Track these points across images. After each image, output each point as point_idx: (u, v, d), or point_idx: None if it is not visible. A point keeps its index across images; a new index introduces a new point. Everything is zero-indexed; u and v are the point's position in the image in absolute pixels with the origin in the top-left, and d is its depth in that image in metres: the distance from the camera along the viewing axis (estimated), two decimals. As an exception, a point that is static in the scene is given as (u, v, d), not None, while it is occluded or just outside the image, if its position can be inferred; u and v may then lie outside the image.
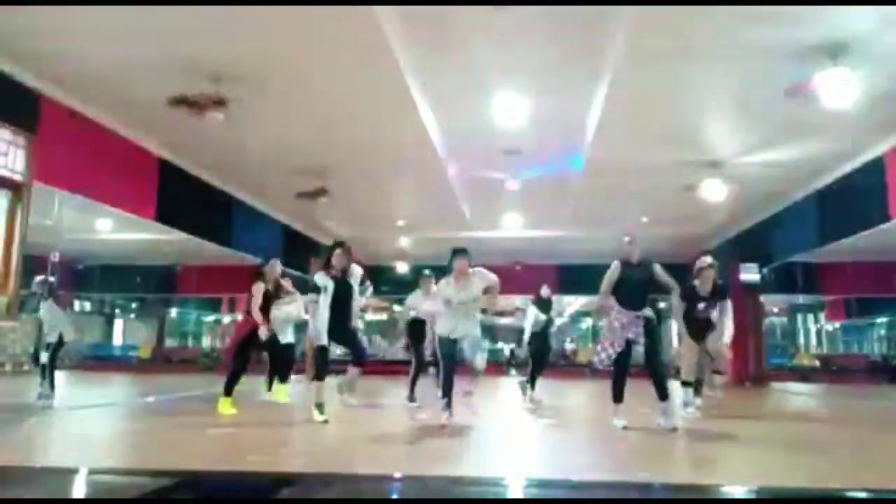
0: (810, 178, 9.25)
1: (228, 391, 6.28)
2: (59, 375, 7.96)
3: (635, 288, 5.56)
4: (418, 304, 7.39)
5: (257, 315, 6.33)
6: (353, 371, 6.36)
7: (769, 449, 4.84)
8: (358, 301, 6.10)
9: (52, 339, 7.43)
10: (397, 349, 15.20)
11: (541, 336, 8.12)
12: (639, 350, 5.58)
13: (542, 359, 8.19)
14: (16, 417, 6.32)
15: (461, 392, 5.89)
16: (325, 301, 5.70)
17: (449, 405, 5.54)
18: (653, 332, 5.61)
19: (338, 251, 5.84)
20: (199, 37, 5.51)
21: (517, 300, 17.56)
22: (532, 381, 8.09)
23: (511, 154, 8.42)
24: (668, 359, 6.62)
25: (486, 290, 5.71)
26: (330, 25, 5.30)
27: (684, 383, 6.57)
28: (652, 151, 8.29)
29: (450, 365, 5.61)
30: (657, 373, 5.63)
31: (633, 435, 5.24)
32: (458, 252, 5.67)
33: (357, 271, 5.96)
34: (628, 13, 5.03)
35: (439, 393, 5.62)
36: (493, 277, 5.71)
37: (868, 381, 15.99)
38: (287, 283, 7.28)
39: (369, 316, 23.09)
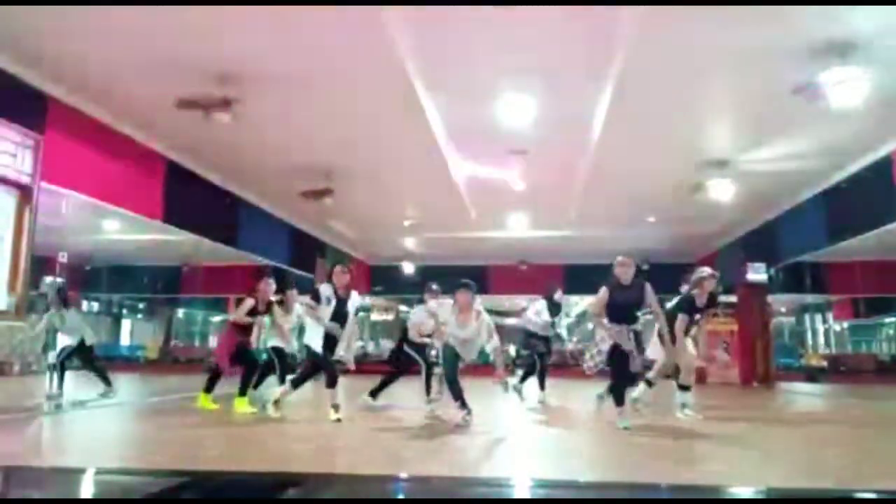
0: (818, 178, 9.20)
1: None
2: (69, 376, 8.00)
3: (627, 308, 5.58)
4: (423, 320, 6.76)
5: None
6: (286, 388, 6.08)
7: (772, 449, 4.81)
8: (351, 327, 6.05)
9: (71, 341, 7.54)
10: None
11: (543, 338, 8.13)
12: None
13: (543, 360, 8.20)
14: (27, 418, 6.36)
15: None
16: (327, 313, 5.74)
17: (464, 405, 5.58)
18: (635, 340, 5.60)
19: (338, 268, 5.92)
20: (205, 38, 5.54)
21: (522, 301, 17.58)
22: (541, 382, 8.07)
23: (517, 154, 8.41)
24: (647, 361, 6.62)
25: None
26: (334, 26, 5.31)
27: (682, 387, 6.52)
28: (659, 151, 8.26)
29: (453, 374, 5.64)
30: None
31: (637, 436, 5.22)
32: (462, 286, 5.67)
33: (356, 298, 6.00)
34: (634, 12, 5.02)
35: (454, 402, 5.63)
36: (496, 341, 5.64)
37: (877, 382, 15.90)
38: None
39: (375, 316, 23.08)
